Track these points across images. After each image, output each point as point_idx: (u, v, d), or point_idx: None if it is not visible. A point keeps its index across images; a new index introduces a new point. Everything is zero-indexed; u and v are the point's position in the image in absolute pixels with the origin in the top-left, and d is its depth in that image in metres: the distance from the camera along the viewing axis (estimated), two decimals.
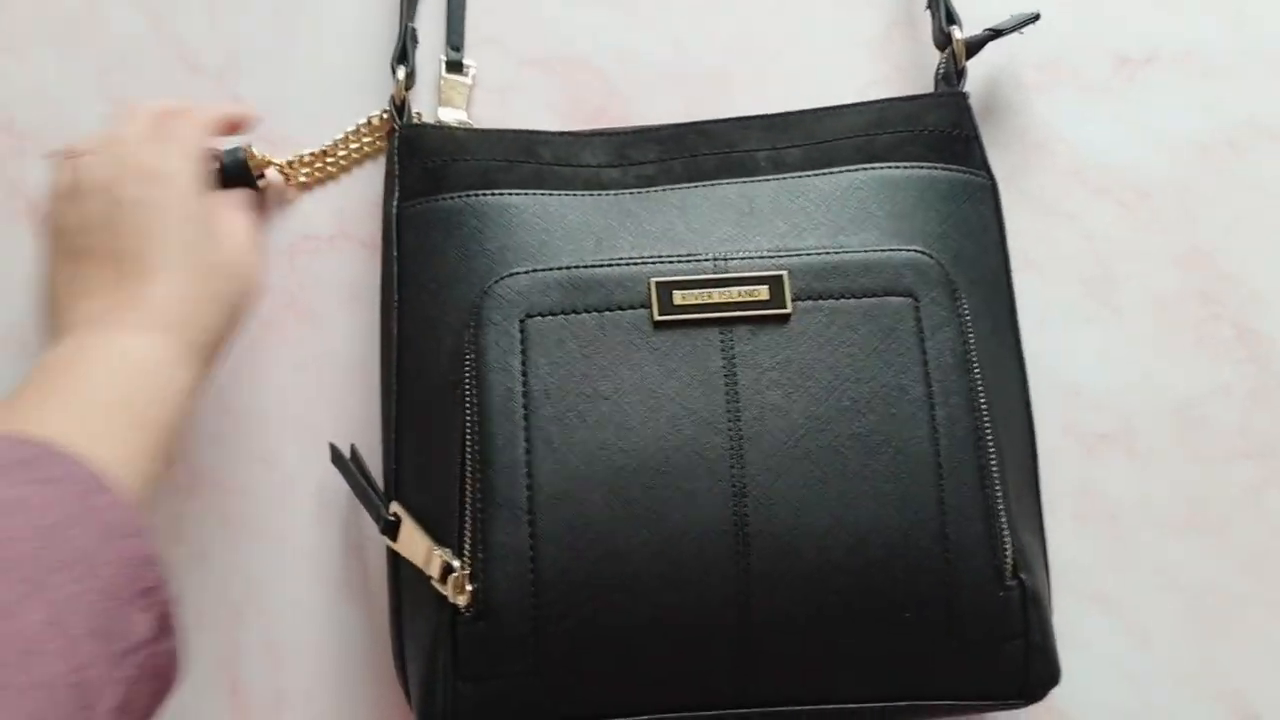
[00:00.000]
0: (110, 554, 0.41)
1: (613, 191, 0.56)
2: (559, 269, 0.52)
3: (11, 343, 0.62)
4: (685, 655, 0.49)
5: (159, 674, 0.43)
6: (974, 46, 0.61)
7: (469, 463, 0.50)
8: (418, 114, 0.62)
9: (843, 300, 0.52)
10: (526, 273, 0.52)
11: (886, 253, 0.53)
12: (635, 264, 0.52)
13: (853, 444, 0.50)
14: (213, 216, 0.53)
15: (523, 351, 0.50)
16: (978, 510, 0.50)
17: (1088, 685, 0.58)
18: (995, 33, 0.61)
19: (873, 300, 0.52)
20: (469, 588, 0.49)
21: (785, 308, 0.51)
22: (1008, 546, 0.50)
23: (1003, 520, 0.50)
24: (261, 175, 0.61)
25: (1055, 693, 0.52)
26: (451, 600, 0.49)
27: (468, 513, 0.49)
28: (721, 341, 0.51)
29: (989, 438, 0.51)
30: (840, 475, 0.49)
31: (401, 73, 0.61)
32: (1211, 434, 0.61)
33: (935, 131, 0.58)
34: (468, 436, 0.50)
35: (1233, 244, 0.63)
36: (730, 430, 0.50)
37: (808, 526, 0.49)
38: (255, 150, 0.61)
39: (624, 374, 0.50)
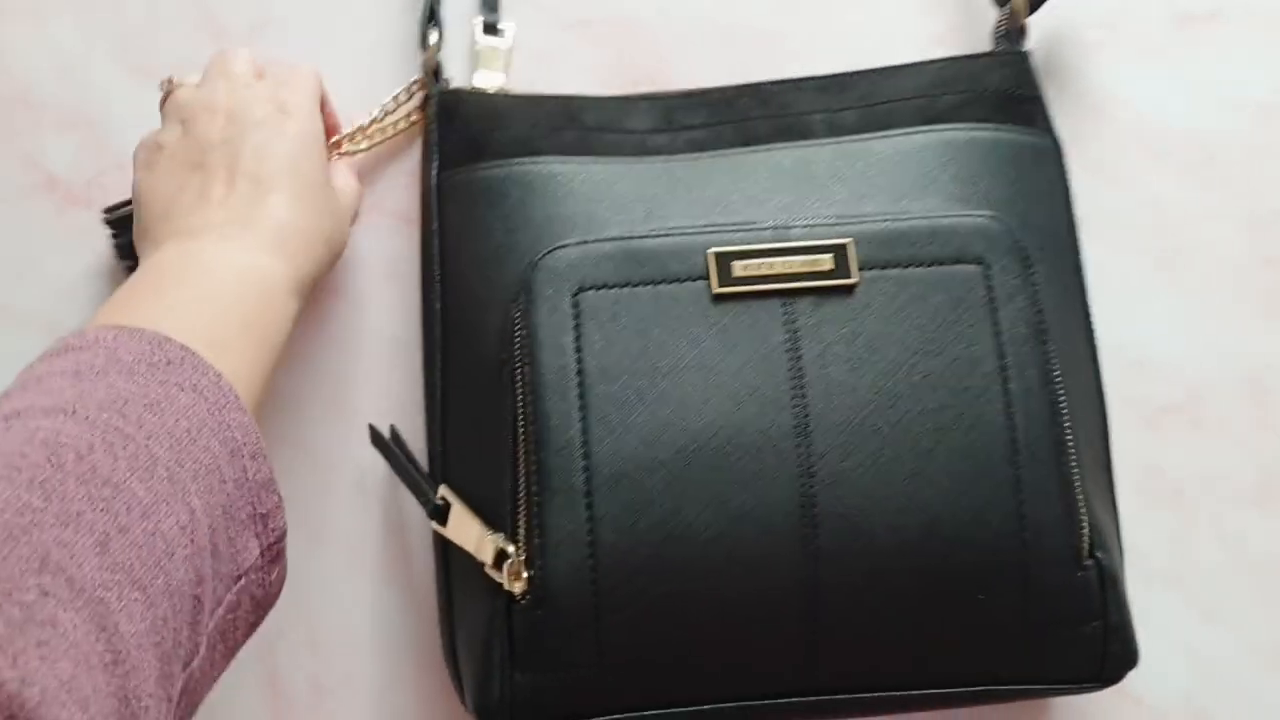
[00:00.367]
0: (236, 472, 0.41)
1: (661, 158, 0.54)
2: (611, 240, 0.49)
3: (40, 323, 0.60)
4: (751, 641, 0.47)
5: (258, 604, 0.42)
6: (1034, 3, 0.58)
7: (522, 444, 0.48)
8: (446, 79, 0.59)
9: (910, 269, 0.49)
10: (577, 244, 0.49)
11: (954, 219, 0.50)
12: (690, 234, 0.50)
13: (924, 420, 0.48)
14: (326, 163, 0.53)
15: (576, 327, 0.48)
16: (1055, 488, 0.48)
17: (1152, 664, 0.56)
18: None
19: (941, 269, 0.49)
20: (525, 574, 0.46)
21: (850, 277, 0.49)
22: (1085, 525, 0.48)
23: (1080, 498, 0.48)
24: None
25: None
26: (507, 588, 0.47)
27: (521, 496, 0.47)
28: (784, 314, 0.49)
29: (1064, 412, 0.49)
30: (911, 453, 0.47)
31: (434, 36, 0.58)
32: None
33: (998, 92, 0.56)
34: (519, 417, 0.48)
35: None
36: (795, 408, 0.47)
37: (878, 506, 0.47)
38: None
39: (682, 349, 0.48)
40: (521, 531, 0.47)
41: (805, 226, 0.50)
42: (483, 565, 0.48)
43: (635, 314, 0.48)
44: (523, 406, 0.48)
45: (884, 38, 0.62)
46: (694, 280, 0.49)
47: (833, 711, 0.48)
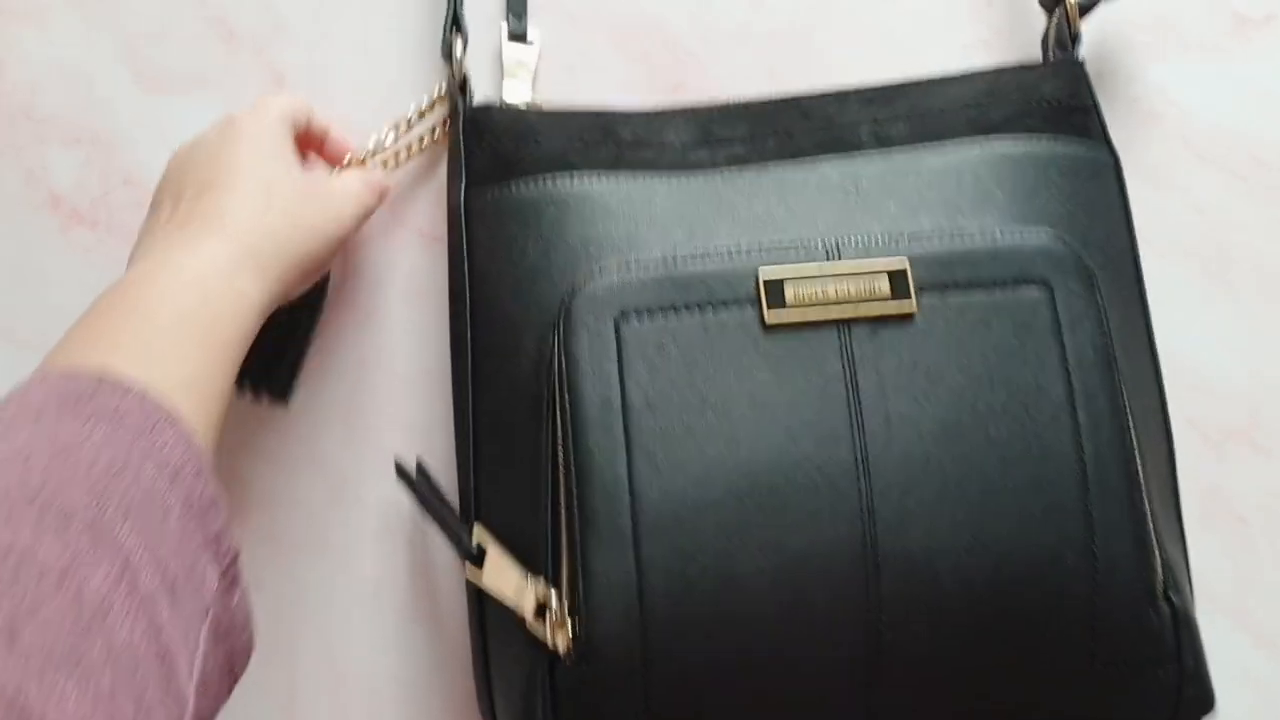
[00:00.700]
0: (180, 495, 0.37)
1: (701, 173, 0.51)
2: (653, 263, 0.47)
3: (42, 349, 0.57)
4: (810, 691, 0.44)
5: (229, 634, 0.38)
6: (1085, 8, 0.56)
7: (562, 482, 0.45)
8: (472, 92, 0.56)
9: (971, 292, 0.46)
10: (617, 268, 0.47)
11: (1015, 238, 0.47)
12: (738, 256, 0.47)
13: (989, 454, 0.45)
14: (292, 152, 0.51)
15: (619, 357, 0.45)
16: (1126, 524, 0.45)
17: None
18: None
19: (1003, 292, 0.47)
20: (568, 625, 0.44)
21: (909, 303, 0.46)
22: (1157, 563, 0.46)
23: (1152, 534, 0.46)
24: None
25: None
26: (549, 643, 0.44)
27: (563, 539, 0.45)
28: (839, 342, 0.46)
29: (1134, 442, 0.46)
30: (977, 489, 0.44)
31: (459, 46, 0.55)
32: None
33: (1052, 102, 0.53)
34: (559, 452, 0.45)
35: None
36: (854, 443, 0.45)
37: (943, 547, 0.44)
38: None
39: (732, 381, 0.45)
40: (564, 578, 0.44)
41: (859, 247, 0.47)
42: (522, 617, 0.45)
43: (681, 343, 0.46)
44: (562, 441, 0.45)
45: (927, 45, 0.60)
46: (743, 306, 0.46)
47: None
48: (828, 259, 0.47)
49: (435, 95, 0.58)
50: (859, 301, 0.46)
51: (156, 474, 0.36)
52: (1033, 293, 0.47)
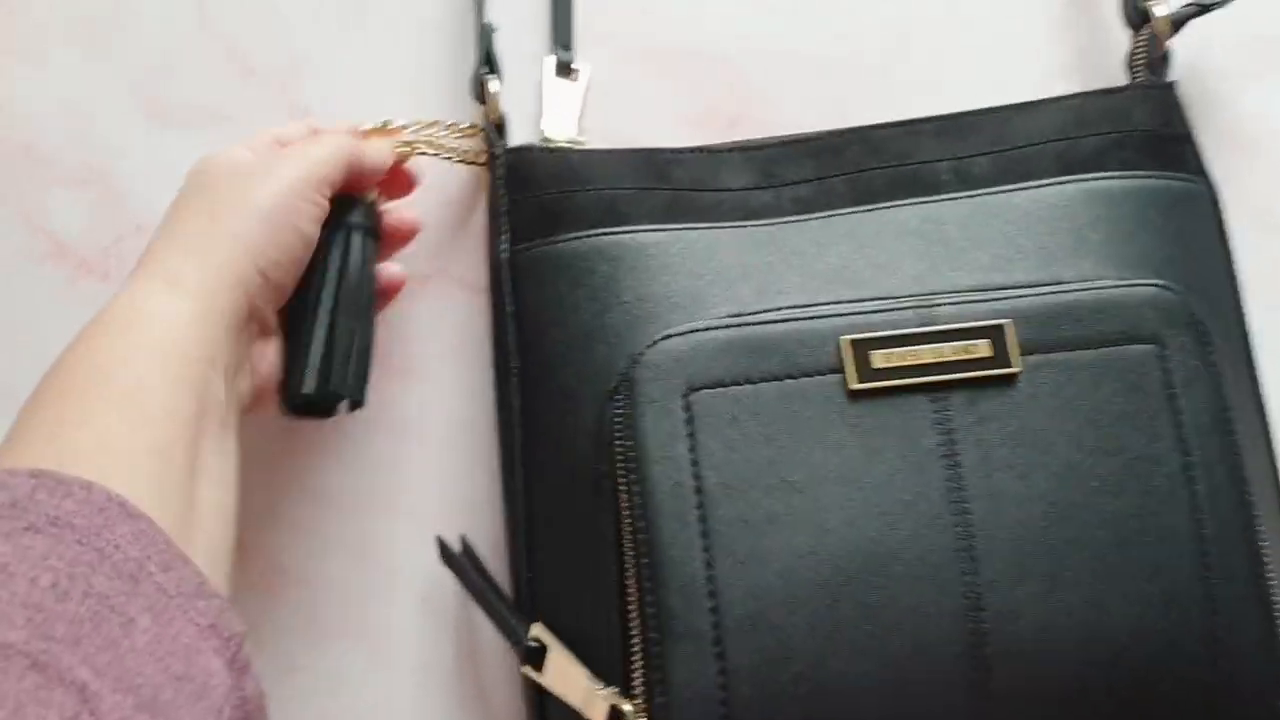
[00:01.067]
0: (147, 599, 0.32)
1: (765, 221, 0.47)
2: (722, 327, 0.42)
3: None
4: None
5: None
6: (1176, 24, 0.52)
7: (632, 577, 0.41)
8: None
9: (1077, 352, 0.42)
10: (684, 332, 0.42)
11: (1120, 289, 0.43)
12: (817, 316, 0.43)
13: (1103, 533, 0.41)
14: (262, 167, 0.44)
15: (690, 435, 0.41)
16: (1252, 606, 0.41)
17: None
18: (1201, 7, 0.51)
19: (1111, 350, 0.43)
20: None
21: (1011, 365, 0.42)
22: None
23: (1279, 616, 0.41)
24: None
25: None
26: None
27: (635, 641, 0.40)
28: (935, 412, 0.42)
29: (1257, 515, 0.42)
30: (1091, 574, 0.40)
31: (494, 84, 0.51)
32: None
33: (1144, 132, 0.49)
34: (627, 543, 0.41)
35: None
36: (957, 525, 0.40)
37: (1057, 640, 0.40)
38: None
39: (817, 458, 0.41)
40: (638, 686, 0.40)
41: (952, 305, 0.43)
42: None
43: (759, 417, 0.41)
44: (630, 531, 0.41)
45: (1004, 70, 0.55)
46: (826, 374, 0.42)
47: None
48: (918, 318, 0.43)
49: (465, 125, 0.53)
50: (956, 365, 0.42)
51: (111, 583, 0.32)
52: (1142, 351, 0.43)
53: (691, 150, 0.49)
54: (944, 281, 0.44)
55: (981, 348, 0.42)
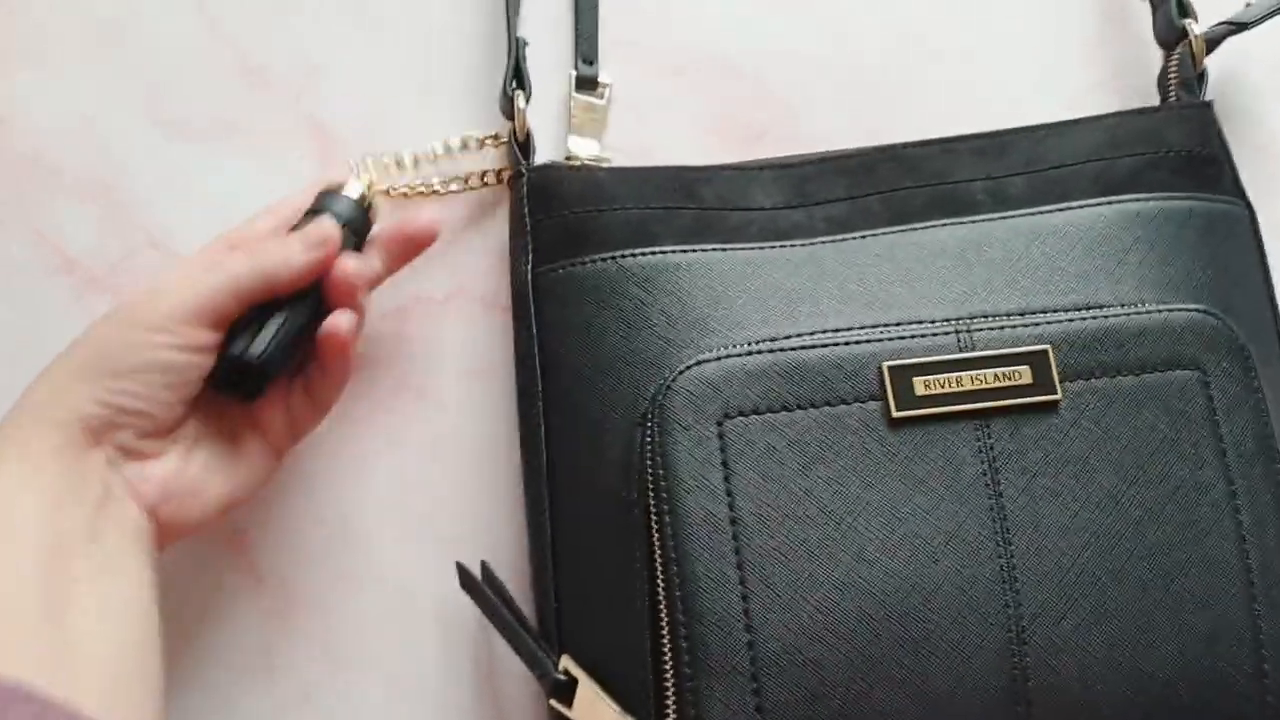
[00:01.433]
0: None
1: (799, 241, 0.46)
2: (757, 352, 0.41)
3: None
4: None
5: None
6: (1212, 43, 0.51)
7: (665, 610, 0.39)
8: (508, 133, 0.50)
9: (1118, 379, 0.41)
10: (716, 358, 0.41)
11: (1161, 313, 0.42)
12: (854, 341, 0.42)
13: (1148, 565, 0.40)
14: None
15: (724, 464, 0.40)
16: None
17: None
18: (1236, 26, 0.51)
19: (1153, 376, 0.42)
20: None
21: (1054, 392, 0.41)
22: None
23: None
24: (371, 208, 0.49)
25: None
26: None
27: (669, 677, 0.39)
28: (976, 440, 0.41)
29: None
30: (1136, 606, 0.39)
31: (521, 99, 0.49)
32: None
33: (1180, 152, 0.48)
34: (659, 575, 0.40)
35: None
36: (1000, 557, 0.39)
37: (1100, 677, 0.39)
38: (371, 177, 0.49)
39: (856, 488, 0.40)
40: None
41: (991, 330, 0.42)
42: None
43: (796, 445, 0.40)
44: (662, 563, 0.40)
45: (1037, 88, 0.54)
46: (866, 401, 0.41)
47: None
48: (959, 343, 0.42)
49: (485, 137, 0.52)
50: (997, 392, 0.41)
51: None
52: (1185, 377, 0.42)
53: (721, 168, 0.48)
54: (983, 305, 0.43)
55: (1023, 374, 0.41)
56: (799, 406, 0.41)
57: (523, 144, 0.49)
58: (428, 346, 0.52)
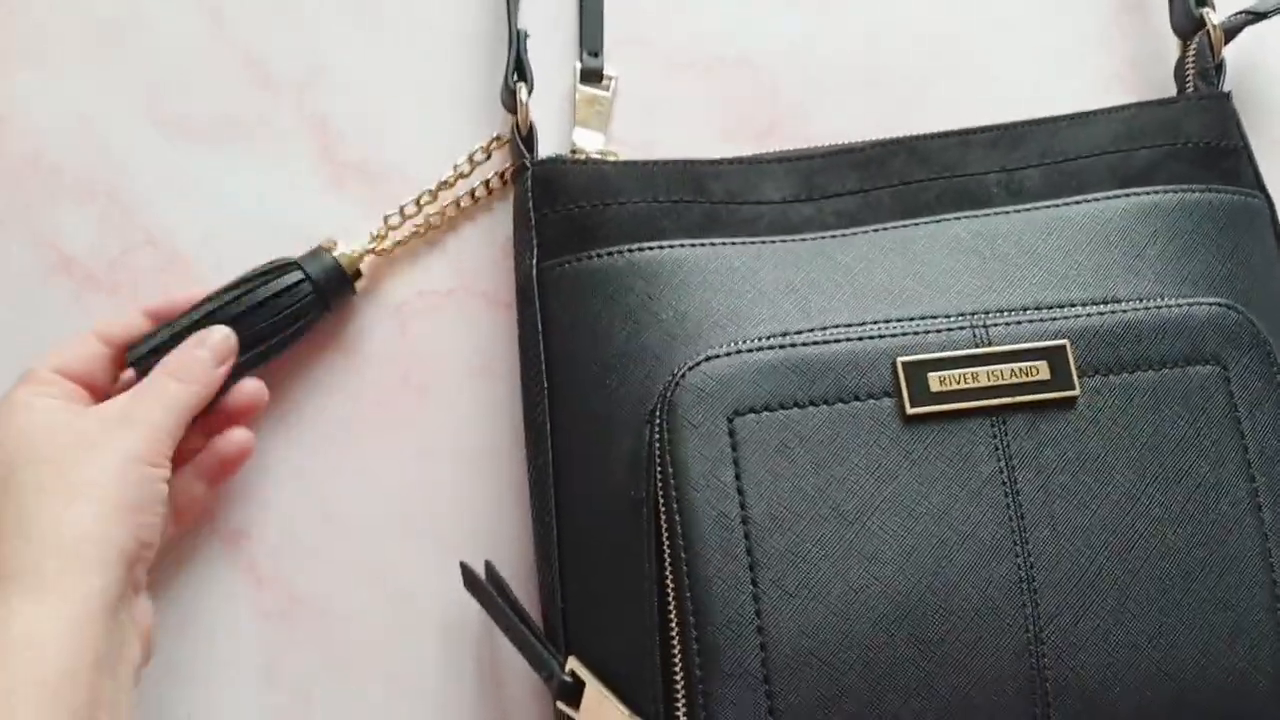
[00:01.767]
0: None
1: (809, 235, 0.45)
2: (768, 348, 0.40)
3: None
4: None
5: None
6: (1230, 32, 0.50)
7: (674, 611, 0.39)
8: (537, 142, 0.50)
9: (1138, 374, 0.41)
10: (727, 354, 0.40)
11: (1181, 308, 0.42)
12: (868, 337, 0.41)
13: (1167, 565, 0.39)
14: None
15: (735, 462, 0.39)
16: None
17: None
18: (1255, 15, 0.50)
19: (1173, 372, 0.41)
20: None
21: (1071, 388, 0.40)
22: None
23: None
24: (358, 274, 0.50)
25: None
26: None
27: (679, 680, 0.38)
28: (993, 437, 0.40)
29: None
30: (1156, 606, 0.39)
31: (524, 92, 0.49)
32: None
33: (1198, 144, 0.47)
34: (668, 575, 0.39)
35: None
36: (1017, 556, 0.39)
37: (1119, 678, 0.38)
38: (341, 245, 0.50)
39: (870, 486, 0.39)
40: None
41: (1008, 325, 0.41)
42: None
43: (809, 443, 0.39)
44: (671, 565, 0.39)
45: (1053, 79, 0.54)
46: (880, 398, 0.40)
47: None
48: (974, 339, 0.41)
49: (490, 141, 0.51)
50: (1014, 388, 0.40)
51: None
52: (1205, 372, 0.41)
53: (730, 161, 0.47)
54: (999, 299, 0.43)
55: (1040, 369, 0.40)
56: (811, 403, 0.40)
57: (525, 138, 0.49)
58: (430, 343, 0.51)
